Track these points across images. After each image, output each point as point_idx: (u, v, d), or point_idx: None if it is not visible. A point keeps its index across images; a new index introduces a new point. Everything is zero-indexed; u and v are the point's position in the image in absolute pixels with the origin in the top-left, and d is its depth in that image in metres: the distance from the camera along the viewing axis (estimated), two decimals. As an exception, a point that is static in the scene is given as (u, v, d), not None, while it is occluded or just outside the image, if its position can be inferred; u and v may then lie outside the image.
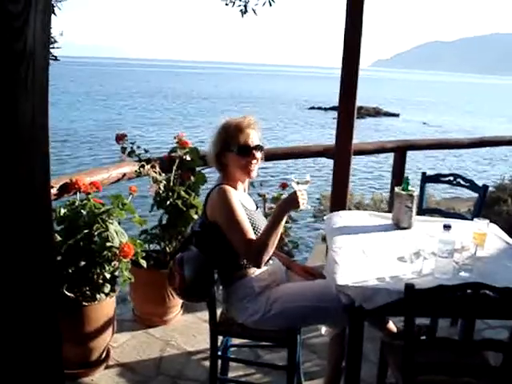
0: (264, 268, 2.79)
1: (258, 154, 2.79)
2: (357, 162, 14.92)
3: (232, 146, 2.74)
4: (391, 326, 2.89)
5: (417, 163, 15.35)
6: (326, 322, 2.87)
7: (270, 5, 3.87)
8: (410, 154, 5.23)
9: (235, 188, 2.81)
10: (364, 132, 26.21)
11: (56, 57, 2.97)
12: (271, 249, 2.62)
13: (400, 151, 5.14)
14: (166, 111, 37.40)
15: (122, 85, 64.80)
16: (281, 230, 2.65)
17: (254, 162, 2.78)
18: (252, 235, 2.62)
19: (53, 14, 2.97)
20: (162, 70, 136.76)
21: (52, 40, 3.04)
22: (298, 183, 2.62)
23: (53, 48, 2.99)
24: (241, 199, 2.77)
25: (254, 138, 2.78)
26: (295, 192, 2.61)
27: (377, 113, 39.75)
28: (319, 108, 42.68)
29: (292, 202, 2.62)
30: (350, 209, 5.44)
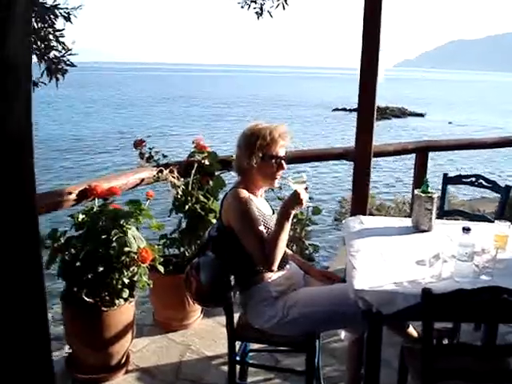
0: (281, 272, 2.77)
1: (285, 164, 2.80)
2: (379, 164, 14.83)
3: (264, 154, 2.73)
4: (411, 330, 2.84)
5: (442, 164, 15.14)
6: (345, 327, 2.84)
7: (284, 8, 3.87)
8: (434, 154, 5.17)
9: (253, 193, 2.80)
10: (388, 133, 26.04)
11: (72, 63, 2.99)
12: (281, 251, 2.63)
13: (421, 152, 5.08)
14: (200, 117, 37.26)
15: (141, 90, 65.00)
16: (288, 230, 2.66)
17: (282, 171, 2.79)
18: (265, 239, 2.62)
19: (68, 22, 3.01)
20: (176, 74, 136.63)
21: (66, 47, 3.06)
22: (294, 183, 2.66)
23: (70, 55, 3.01)
24: (256, 203, 2.75)
25: (284, 148, 2.80)
26: (296, 191, 2.62)
27: (402, 113, 39.36)
28: (343, 109, 42.41)
29: (294, 200, 2.63)
30: (371, 212, 5.39)
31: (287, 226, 2.65)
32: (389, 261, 2.62)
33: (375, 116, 4.36)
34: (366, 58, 4.20)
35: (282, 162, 2.78)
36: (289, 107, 45.15)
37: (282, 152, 2.78)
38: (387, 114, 35.97)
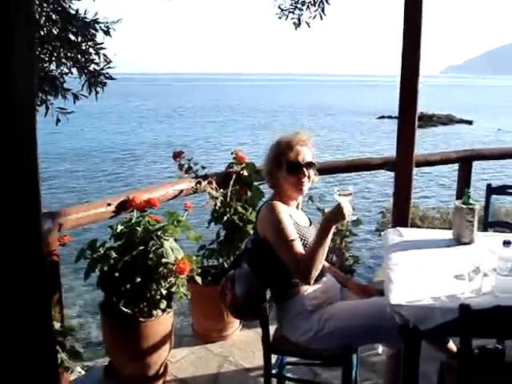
0: (317, 286, 2.74)
1: (310, 172, 2.76)
2: (424, 172, 14.56)
3: (282, 163, 2.72)
4: (451, 345, 2.76)
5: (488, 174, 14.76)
6: (381, 342, 2.79)
7: (321, 18, 3.87)
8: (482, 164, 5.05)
9: (287, 204, 2.79)
10: (431, 140, 25.61)
11: (111, 76, 3.05)
12: (319, 264, 2.58)
13: (465, 162, 4.94)
14: (249, 126, 37.21)
15: (186, 100, 65.58)
16: (328, 244, 2.60)
17: (305, 179, 2.75)
18: (301, 251, 2.59)
19: (108, 36, 3.07)
20: (222, 84, 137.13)
21: (108, 60, 3.12)
22: (339, 195, 2.59)
23: (109, 68, 3.07)
24: (292, 215, 2.74)
25: (304, 154, 2.75)
26: (339, 204, 2.57)
27: (449, 120, 38.69)
28: (389, 117, 41.91)
29: (337, 214, 2.58)
30: (413, 222, 5.28)
31: (327, 240, 2.59)
32: (427, 274, 2.56)
33: (416, 124, 4.27)
34: (407, 66, 4.10)
35: (304, 169, 2.73)
36: (335, 115, 44.97)
37: (302, 159, 2.74)
38: (434, 121, 35.46)
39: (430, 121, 34.89)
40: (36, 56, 1.22)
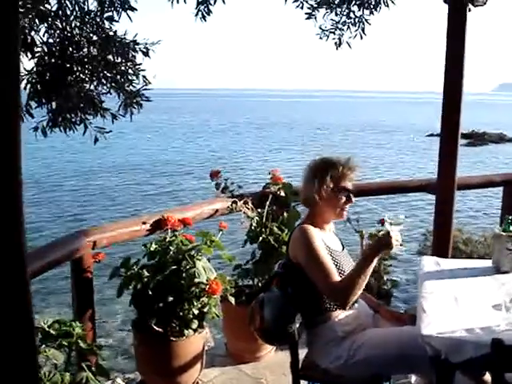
0: (349, 312, 2.68)
1: (352, 198, 2.77)
2: (469, 194, 14.17)
3: (334, 186, 2.71)
4: (487, 378, 2.65)
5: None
6: (413, 372, 2.70)
7: (361, 38, 3.85)
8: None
9: (321, 227, 2.76)
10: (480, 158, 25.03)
11: (148, 98, 3.07)
12: (358, 291, 2.53)
13: (510, 185, 4.78)
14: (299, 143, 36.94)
15: (231, 116, 65.83)
16: (370, 271, 2.54)
17: (349, 205, 2.76)
18: (335, 276, 2.55)
19: (147, 57, 3.10)
20: (274, 100, 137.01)
21: (146, 81, 3.14)
22: (391, 224, 2.53)
23: (145, 89, 3.10)
24: (324, 239, 2.70)
25: (352, 180, 2.78)
26: (388, 233, 2.50)
27: (501, 139, 37.74)
28: (438, 135, 41.06)
29: (384, 243, 2.52)
30: (457, 246, 5.14)
31: (369, 268, 2.52)
32: (462, 304, 2.47)
33: (459, 145, 4.17)
34: (449, 82, 4.01)
35: (351, 195, 2.74)
36: (383, 133, 44.41)
37: (350, 185, 2.75)
38: (485, 139, 34.74)
39: (481, 139, 34.23)
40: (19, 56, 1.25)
